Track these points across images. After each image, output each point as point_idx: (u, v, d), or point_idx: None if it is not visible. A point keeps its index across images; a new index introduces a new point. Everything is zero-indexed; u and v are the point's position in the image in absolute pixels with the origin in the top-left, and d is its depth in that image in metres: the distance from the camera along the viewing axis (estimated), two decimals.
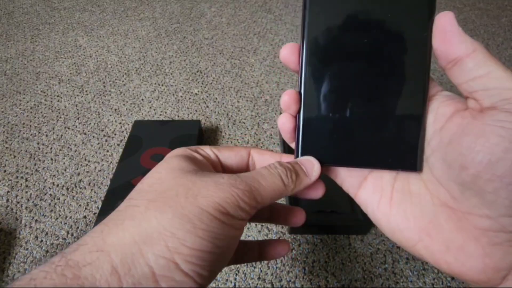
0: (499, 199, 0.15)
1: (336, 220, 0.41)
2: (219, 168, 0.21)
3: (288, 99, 0.19)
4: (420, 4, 0.18)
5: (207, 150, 0.20)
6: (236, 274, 0.38)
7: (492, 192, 0.15)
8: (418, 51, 0.18)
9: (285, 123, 0.20)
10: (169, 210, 0.15)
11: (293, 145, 0.20)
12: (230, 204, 0.16)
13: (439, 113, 0.17)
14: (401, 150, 0.18)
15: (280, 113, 0.55)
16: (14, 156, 0.51)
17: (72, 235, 0.42)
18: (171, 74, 0.68)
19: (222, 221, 0.16)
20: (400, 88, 0.18)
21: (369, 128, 0.19)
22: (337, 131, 0.19)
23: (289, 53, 0.19)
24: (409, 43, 0.18)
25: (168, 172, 0.18)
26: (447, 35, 0.16)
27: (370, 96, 0.19)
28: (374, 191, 0.19)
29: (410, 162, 0.18)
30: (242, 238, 0.42)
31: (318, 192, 0.21)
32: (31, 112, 0.59)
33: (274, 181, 0.18)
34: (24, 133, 0.55)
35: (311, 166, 0.19)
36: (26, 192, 0.46)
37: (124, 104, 0.61)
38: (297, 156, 0.20)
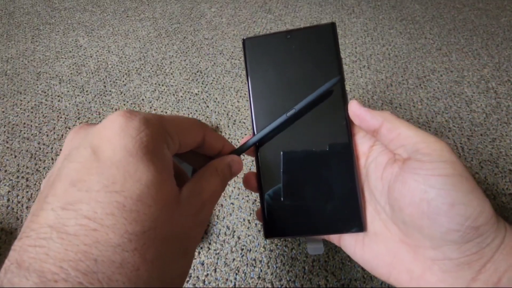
0: (433, 232, 0.18)
1: None
2: (175, 152, 0.19)
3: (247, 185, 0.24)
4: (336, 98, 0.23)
5: (176, 142, 0.18)
6: (236, 274, 0.38)
7: (426, 227, 0.18)
8: (341, 139, 0.23)
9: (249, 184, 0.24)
10: None
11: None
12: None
13: (378, 162, 0.21)
14: (346, 217, 0.22)
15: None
16: (15, 156, 0.51)
17: None
18: (171, 74, 0.69)
19: None
20: (333, 168, 0.23)
21: (316, 203, 0.23)
22: (292, 210, 0.23)
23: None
24: (332, 129, 0.23)
25: (148, 195, 0.15)
26: (360, 116, 0.21)
27: (313, 179, 0.23)
28: (350, 240, 0.23)
29: (355, 225, 0.22)
30: (243, 234, 0.42)
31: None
32: (32, 112, 0.59)
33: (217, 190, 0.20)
34: (25, 133, 0.55)
35: (238, 169, 0.22)
36: (27, 192, 0.47)
37: (124, 104, 0.61)
38: (264, 234, 0.24)
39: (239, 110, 0.60)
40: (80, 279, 0.12)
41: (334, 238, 0.24)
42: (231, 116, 0.59)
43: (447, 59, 0.72)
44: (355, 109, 0.21)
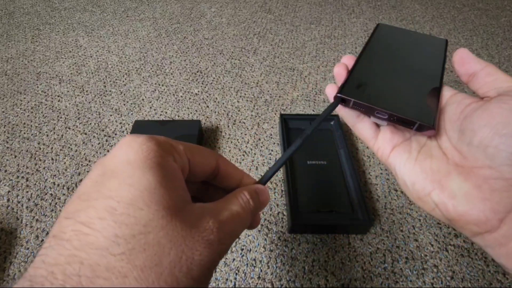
0: (498, 151, 0.19)
1: (336, 219, 0.41)
2: (186, 171, 0.19)
3: (339, 69, 0.26)
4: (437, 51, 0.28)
5: (183, 157, 0.18)
6: (236, 274, 0.38)
7: (493, 146, 0.19)
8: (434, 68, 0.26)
9: (339, 72, 0.26)
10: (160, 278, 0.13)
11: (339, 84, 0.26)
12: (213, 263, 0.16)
13: (462, 103, 0.22)
14: (424, 111, 0.23)
15: (281, 113, 0.54)
16: (15, 156, 0.51)
17: None
18: (171, 74, 0.69)
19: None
20: (424, 67, 0.26)
21: (401, 85, 0.24)
22: (379, 81, 0.24)
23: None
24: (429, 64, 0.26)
25: (140, 198, 0.14)
26: (465, 59, 0.23)
27: (403, 65, 0.26)
28: (403, 153, 0.23)
29: (429, 121, 0.22)
30: (242, 235, 0.42)
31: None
32: (32, 112, 0.59)
33: (243, 223, 0.19)
34: (25, 133, 0.55)
35: (266, 198, 0.21)
36: (27, 191, 0.47)
37: (124, 104, 0.61)
38: (337, 92, 0.24)
39: (239, 110, 0.60)
40: (63, 282, 0.12)
41: (385, 151, 0.24)
42: (231, 116, 0.59)
43: (447, 59, 0.72)
44: (463, 52, 0.23)
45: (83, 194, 0.15)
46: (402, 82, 0.25)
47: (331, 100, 0.25)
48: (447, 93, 0.24)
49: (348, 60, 0.26)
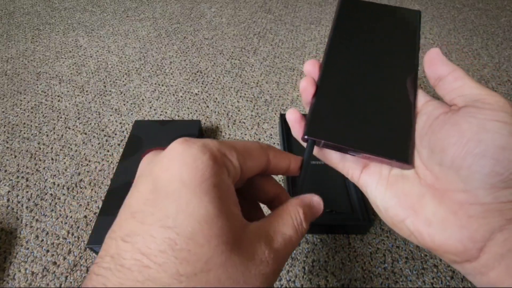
0: (472, 173, 0.17)
1: (335, 219, 0.41)
2: (237, 179, 0.18)
3: (305, 84, 0.23)
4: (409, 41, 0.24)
5: (237, 168, 0.17)
6: None
7: (466, 168, 0.17)
8: (410, 75, 0.23)
9: (306, 88, 0.23)
10: None
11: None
12: None
13: (431, 114, 0.21)
14: (397, 144, 0.21)
15: (280, 113, 0.54)
16: (15, 156, 0.51)
17: (72, 234, 0.42)
18: (171, 74, 0.69)
19: None
20: (394, 93, 0.22)
21: (369, 119, 0.22)
22: (345, 117, 0.22)
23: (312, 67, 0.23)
24: (403, 69, 0.23)
25: (200, 232, 0.14)
26: (434, 61, 0.21)
27: (374, 99, 0.22)
28: (373, 174, 0.22)
29: (404, 156, 0.20)
30: None
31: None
32: (32, 112, 0.59)
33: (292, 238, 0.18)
34: (24, 133, 0.55)
35: (320, 208, 0.21)
36: (27, 191, 0.47)
37: (124, 104, 0.61)
38: (304, 133, 0.21)
39: (239, 110, 0.60)
40: None
41: (355, 173, 0.23)
42: (231, 116, 0.59)
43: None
44: (434, 53, 0.21)
45: (137, 213, 0.14)
46: (374, 103, 0.22)
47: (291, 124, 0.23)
48: (420, 100, 0.22)
49: (313, 68, 0.24)
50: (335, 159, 0.23)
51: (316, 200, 0.20)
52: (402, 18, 0.25)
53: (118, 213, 0.16)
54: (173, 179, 0.15)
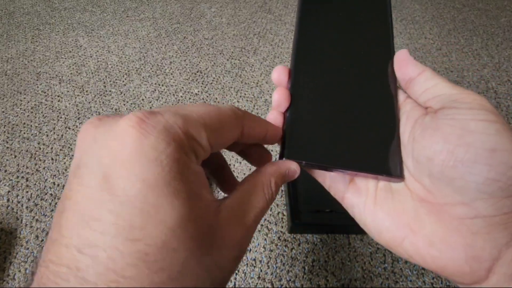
0: (466, 183, 0.16)
1: (335, 219, 0.41)
2: (207, 157, 0.16)
3: (278, 97, 0.20)
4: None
5: (207, 150, 0.15)
6: (236, 274, 0.38)
7: (459, 178, 0.16)
8: (386, 77, 0.21)
9: (280, 103, 0.20)
10: None
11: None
12: None
13: (410, 116, 0.19)
14: (383, 156, 0.19)
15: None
16: (15, 156, 0.51)
17: None
18: (171, 74, 0.69)
19: None
20: (374, 103, 0.20)
21: (351, 134, 0.20)
22: (325, 133, 0.19)
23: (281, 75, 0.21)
24: (379, 73, 0.21)
25: (173, 238, 0.13)
26: (403, 63, 0.20)
27: (353, 107, 0.20)
28: (359, 193, 0.20)
29: (393, 170, 0.18)
30: None
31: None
32: (32, 112, 0.59)
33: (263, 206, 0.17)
34: (24, 133, 0.55)
35: (294, 175, 0.19)
36: (27, 192, 0.47)
37: (124, 104, 0.61)
38: (282, 155, 0.19)
39: None
40: None
41: (338, 191, 0.20)
42: None
43: (447, 59, 0.72)
44: (402, 55, 0.20)
45: (91, 220, 0.12)
46: (354, 110, 0.20)
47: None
48: (400, 98, 0.20)
49: (283, 76, 0.21)
50: (319, 177, 0.21)
51: (293, 169, 0.19)
52: (370, 4, 0.23)
53: (58, 204, 0.13)
54: (133, 178, 0.12)
